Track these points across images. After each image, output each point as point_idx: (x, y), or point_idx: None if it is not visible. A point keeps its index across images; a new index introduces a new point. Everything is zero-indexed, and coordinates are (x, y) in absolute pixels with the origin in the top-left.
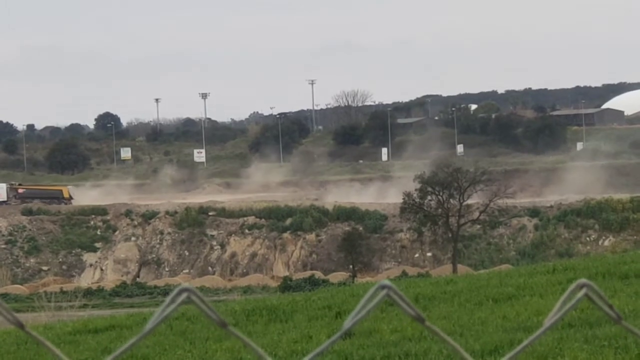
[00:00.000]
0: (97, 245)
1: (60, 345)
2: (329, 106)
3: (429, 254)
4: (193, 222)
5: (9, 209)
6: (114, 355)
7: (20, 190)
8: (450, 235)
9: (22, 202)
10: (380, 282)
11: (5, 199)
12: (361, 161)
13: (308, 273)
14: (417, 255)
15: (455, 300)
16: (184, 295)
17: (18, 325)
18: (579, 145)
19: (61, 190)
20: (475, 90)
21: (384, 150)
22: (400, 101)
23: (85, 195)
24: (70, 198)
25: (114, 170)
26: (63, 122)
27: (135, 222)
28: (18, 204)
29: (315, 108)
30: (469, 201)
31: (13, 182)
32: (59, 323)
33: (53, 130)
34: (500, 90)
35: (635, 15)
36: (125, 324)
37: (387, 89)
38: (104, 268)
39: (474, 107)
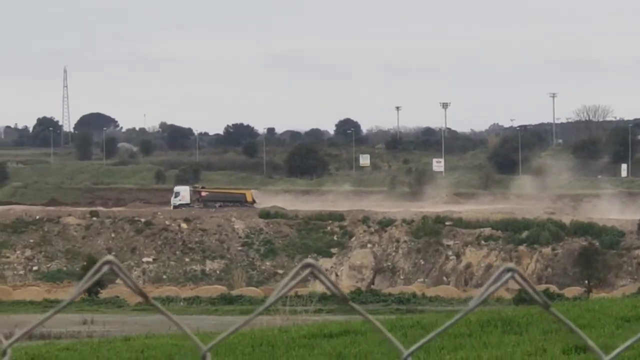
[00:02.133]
0: (333, 250)
1: (295, 348)
2: (569, 120)
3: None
4: (429, 231)
5: (247, 211)
6: None
7: (203, 194)
8: None
9: (204, 205)
10: (504, 266)
11: (188, 202)
12: (600, 176)
13: (543, 287)
14: None
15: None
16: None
17: (143, 297)
18: None
19: (245, 194)
20: None
21: (624, 166)
22: None
23: (321, 200)
24: (254, 201)
25: (353, 176)
26: (303, 126)
27: (372, 229)
28: (201, 207)
29: (556, 121)
30: None
31: (196, 185)
32: (293, 326)
33: (293, 134)
34: None
35: None
36: (359, 330)
37: (628, 105)
38: (339, 274)
39: None
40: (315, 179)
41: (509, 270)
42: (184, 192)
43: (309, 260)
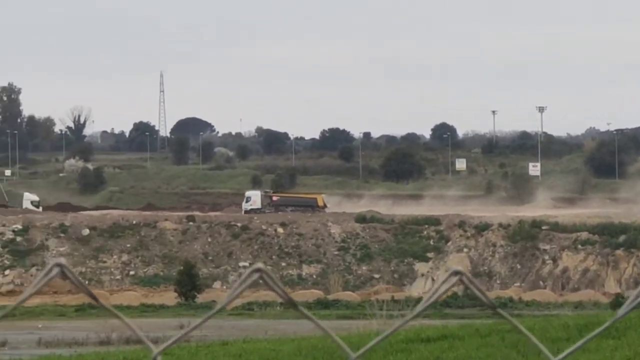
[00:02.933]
0: (429, 255)
1: (393, 353)
2: None
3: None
4: (526, 235)
5: (343, 216)
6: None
7: (274, 198)
8: None
9: (276, 210)
10: (453, 269)
11: (259, 207)
12: None
13: None
14: None
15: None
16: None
17: (92, 298)
18: None
19: (316, 199)
20: None
21: None
22: None
23: (417, 204)
24: (325, 206)
25: (449, 180)
26: (399, 131)
27: (468, 234)
28: (272, 212)
29: None
30: None
31: (267, 190)
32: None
33: (389, 139)
34: None
35: None
36: (457, 335)
37: None
38: (435, 278)
39: None
40: (412, 183)
41: (456, 273)
42: (255, 197)
43: (258, 265)
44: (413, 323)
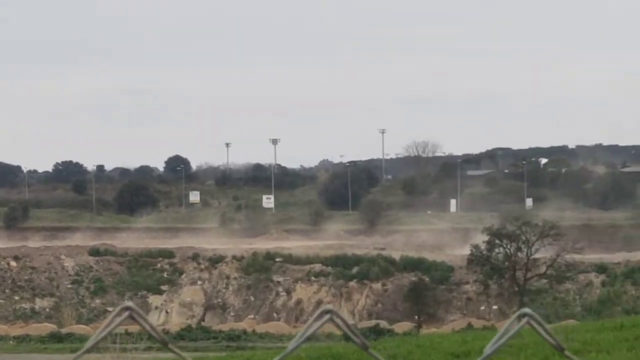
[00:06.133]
0: (163, 287)
1: None
2: (399, 155)
3: (494, 307)
4: (260, 267)
5: (76, 249)
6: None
7: None
8: (516, 288)
9: None
10: (522, 310)
11: None
12: (429, 212)
13: (373, 322)
14: (482, 307)
15: (521, 354)
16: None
17: (163, 342)
18: None
19: None
20: (545, 144)
21: (453, 202)
22: (471, 153)
23: (151, 237)
24: None
25: (183, 213)
26: (133, 163)
27: (202, 266)
28: None
29: (386, 157)
30: (537, 255)
31: None
32: None
33: (123, 172)
34: (571, 145)
35: None
36: None
37: (457, 141)
38: (169, 311)
39: (544, 161)
40: (145, 216)
41: (327, 312)
42: None
43: (128, 303)
44: (146, 356)
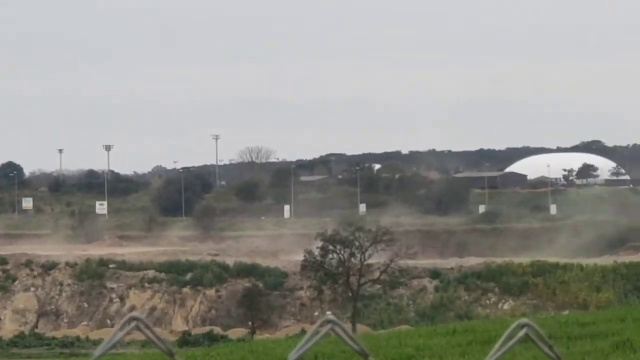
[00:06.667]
0: None
1: None
2: (232, 162)
3: (328, 313)
4: (93, 274)
5: None
6: None
7: None
8: (350, 294)
9: None
10: (326, 316)
11: None
12: (263, 218)
13: (207, 328)
14: (316, 313)
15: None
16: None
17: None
18: (481, 208)
19: None
20: (379, 150)
21: (287, 208)
22: (304, 159)
23: None
24: None
25: (16, 219)
26: None
27: (35, 273)
28: None
29: (219, 163)
30: (370, 260)
31: None
32: None
33: None
34: (404, 151)
35: (539, 80)
36: None
37: (291, 146)
38: (2, 318)
39: (377, 166)
40: None
41: (134, 319)
42: None
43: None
44: None
